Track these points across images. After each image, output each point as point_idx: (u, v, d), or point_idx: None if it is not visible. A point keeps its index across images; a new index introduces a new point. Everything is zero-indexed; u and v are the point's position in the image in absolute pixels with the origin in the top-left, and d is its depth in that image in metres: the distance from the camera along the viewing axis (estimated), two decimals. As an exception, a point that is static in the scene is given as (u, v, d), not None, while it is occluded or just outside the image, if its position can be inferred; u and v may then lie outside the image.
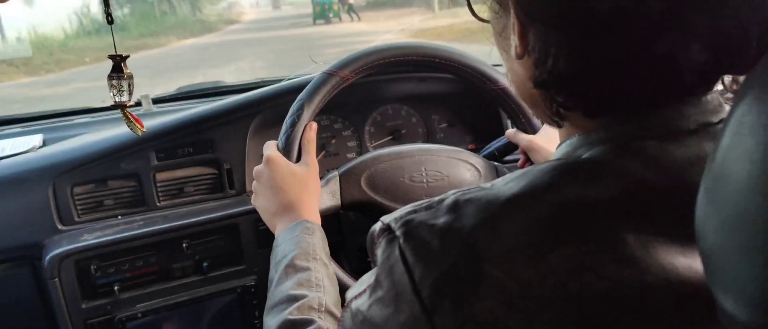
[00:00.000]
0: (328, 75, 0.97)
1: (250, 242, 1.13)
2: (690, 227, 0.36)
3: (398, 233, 0.42)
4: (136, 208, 1.13)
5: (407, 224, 0.42)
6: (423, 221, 0.42)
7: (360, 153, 1.33)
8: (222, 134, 1.16)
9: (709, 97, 0.42)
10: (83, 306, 1.04)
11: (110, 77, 0.73)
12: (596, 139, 0.42)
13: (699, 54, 0.38)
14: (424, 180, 0.98)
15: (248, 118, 1.18)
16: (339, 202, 0.97)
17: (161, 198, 1.14)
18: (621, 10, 0.37)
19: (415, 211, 0.43)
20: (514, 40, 0.45)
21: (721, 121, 0.41)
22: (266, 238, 1.12)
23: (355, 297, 0.49)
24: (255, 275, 1.14)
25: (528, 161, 1.03)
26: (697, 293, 0.36)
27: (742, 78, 0.40)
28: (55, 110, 1.54)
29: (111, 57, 0.74)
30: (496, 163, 1.06)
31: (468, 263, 0.38)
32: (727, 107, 0.41)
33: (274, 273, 0.78)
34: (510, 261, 0.37)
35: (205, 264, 1.10)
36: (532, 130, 1.03)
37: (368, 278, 0.47)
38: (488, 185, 0.43)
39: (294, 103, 0.96)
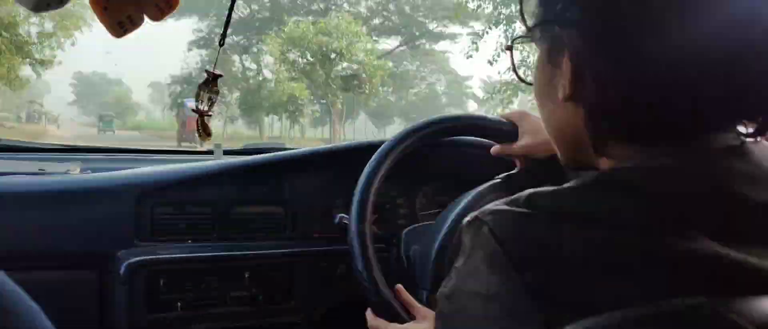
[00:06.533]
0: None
1: (303, 283, 1.22)
2: (731, 228, 0.46)
3: (486, 219, 0.51)
4: (206, 235, 1.21)
5: (494, 214, 0.51)
6: (507, 210, 0.51)
7: (410, 221, 1.37)
8: (295, 180, 1.29)
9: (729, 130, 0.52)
10: (147, 316, 1.09)
11: (200, 88, 0.84)
12: (648, 156, 0.51)
13: (719, 102, 0.49)
14: None
15: (323, 170, 1.32)
16: None
17: (231, 230, 1.24)
18: (677, 61, 0.47)
19: (497, 206, 0.52)
20: (563, 84, 0.54)
21: (742, 143, 0.51)
22: (320, 279, 1.22)
23: (443, 286, 0.55)
24: (303, 313, 1.23)
25: (527, 162, 1.08)
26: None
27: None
28: (96, 146, 1.63)
29: (207, 72, 0.86)
30: None
31: (549, 233, 0.48)
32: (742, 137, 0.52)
33: None
34: (587, 228, 0.46)
35: (259, 297, 1.19)
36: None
37: (450, 272, 0.54)
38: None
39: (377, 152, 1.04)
